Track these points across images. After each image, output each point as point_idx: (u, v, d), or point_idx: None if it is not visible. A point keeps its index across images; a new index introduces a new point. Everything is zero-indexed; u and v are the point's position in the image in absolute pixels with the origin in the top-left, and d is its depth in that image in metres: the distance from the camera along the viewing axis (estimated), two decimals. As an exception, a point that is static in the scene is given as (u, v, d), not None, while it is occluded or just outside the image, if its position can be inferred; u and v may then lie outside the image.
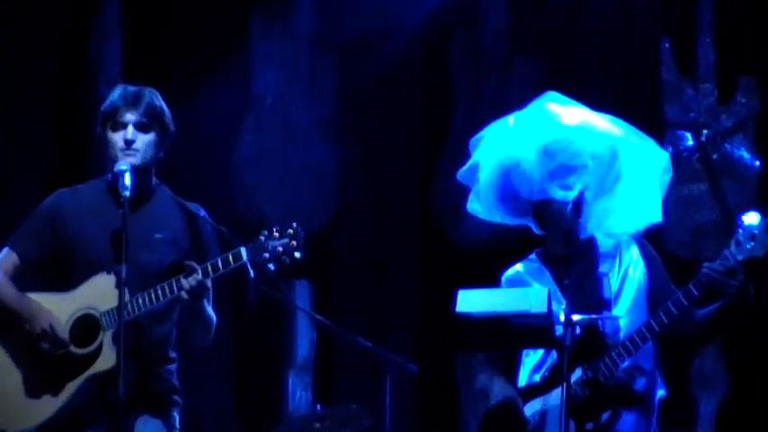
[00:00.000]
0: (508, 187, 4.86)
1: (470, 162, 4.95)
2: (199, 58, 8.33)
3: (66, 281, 4.79)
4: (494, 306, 4.54)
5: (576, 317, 4.52)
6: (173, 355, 4.86)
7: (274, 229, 4.62)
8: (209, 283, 4.63)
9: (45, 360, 4.70)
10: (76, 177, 5.16)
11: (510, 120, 4.92)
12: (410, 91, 8.51)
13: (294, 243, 4.61)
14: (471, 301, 4.55)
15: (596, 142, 4.76)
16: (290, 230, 4.61)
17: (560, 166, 4.73)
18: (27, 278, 4.90)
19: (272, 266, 4.61)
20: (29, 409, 4.70)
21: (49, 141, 8.21)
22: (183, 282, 4.62)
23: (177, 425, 4.82)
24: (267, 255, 4.60)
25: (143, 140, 4.75)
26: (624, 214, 4.81)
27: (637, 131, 4.87)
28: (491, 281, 5.00)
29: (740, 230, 4.55)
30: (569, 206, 4.73)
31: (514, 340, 4.60)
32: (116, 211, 4.67)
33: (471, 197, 4.95)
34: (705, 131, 7.81)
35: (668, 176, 4.87)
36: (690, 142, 7.83)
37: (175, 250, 4.78)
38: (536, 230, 4.93)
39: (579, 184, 4.72)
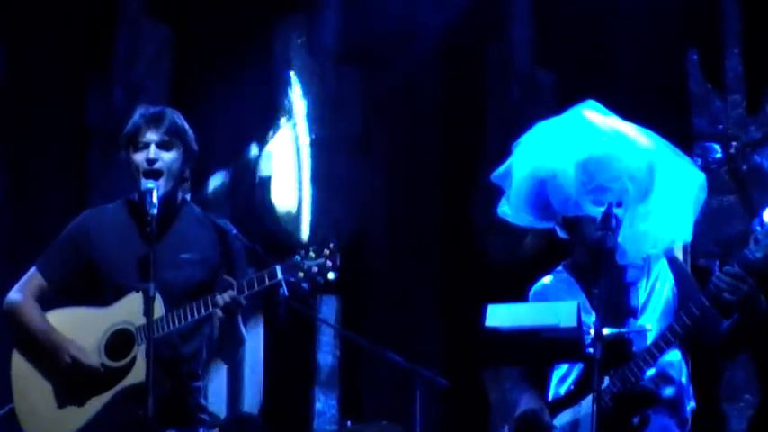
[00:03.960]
0: (541, 196, 4.83)
1: (505, 165, 4.93)
2: (222, 73, 8.35)
3: (96, 298, 4.80)
4: (523, 320, 4.53)
5: (605, 330, 4.50)
6: (200, 372, 4.87)
7: (311, 249, 4.60)
8: (243, 301, 4.62)
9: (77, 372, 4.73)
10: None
11: (548, 125, 4.89)
12: (434, 104, 8.50)
13: (329, 264, 4.59)
14: (500, 315, 4.54)
15: (635, 159, 4.72)
16: (327, 251, 4.59)
17: (599, 186, 4.71)
18: (54, 297, 4.92)
19: (305, 286, 4.60)
20: (61, 420, 4.72)
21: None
22: (218, 298, 4.62)
23: None
24: (302, 274, 4.59)
25: (165, 159, 4.75)
26: (655, 232, 4.77)
27: (673, 148, 4.83)
28: (519, 295, 4.98)
29: (758, 228, 4.50)
30: (598, 219, 4.71)
31: (544, 354, 4.59)
32: (142, 230, 4.67)
33: (503, 201, 4.93)
34: (734, 143, 7.76)
35: (703, 196, 4.83)
36: (719, 154, 7.78)
37: (204, 270, 4.78)
38: (560, 234, 4.91)
39: (611, 199, 4.69)
